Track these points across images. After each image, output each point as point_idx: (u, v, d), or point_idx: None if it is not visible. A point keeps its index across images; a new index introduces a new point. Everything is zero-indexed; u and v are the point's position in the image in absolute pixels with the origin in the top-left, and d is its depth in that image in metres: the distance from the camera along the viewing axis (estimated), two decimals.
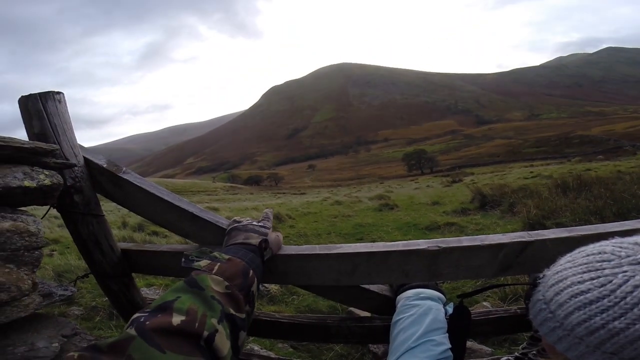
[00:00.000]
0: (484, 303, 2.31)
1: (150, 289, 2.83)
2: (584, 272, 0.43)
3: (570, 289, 0.43)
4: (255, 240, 0.67)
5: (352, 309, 2.31)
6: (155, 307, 0.46)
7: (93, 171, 0.86)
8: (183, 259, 0.59)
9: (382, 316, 0.89)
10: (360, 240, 5.15)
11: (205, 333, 0.44)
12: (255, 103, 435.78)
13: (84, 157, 0.86)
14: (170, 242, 5.07)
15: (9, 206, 0.66)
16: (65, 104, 0.85)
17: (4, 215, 0.62)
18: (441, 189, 14.73)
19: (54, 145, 0.73)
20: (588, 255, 0.45)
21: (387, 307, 0.87)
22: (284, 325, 0.91)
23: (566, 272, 0.46)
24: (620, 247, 0.43)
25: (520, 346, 0.85)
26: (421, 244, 0.69)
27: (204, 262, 0.57)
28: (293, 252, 0.74)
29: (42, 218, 0.82)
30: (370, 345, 1.82)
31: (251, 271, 0.59)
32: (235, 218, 0.78)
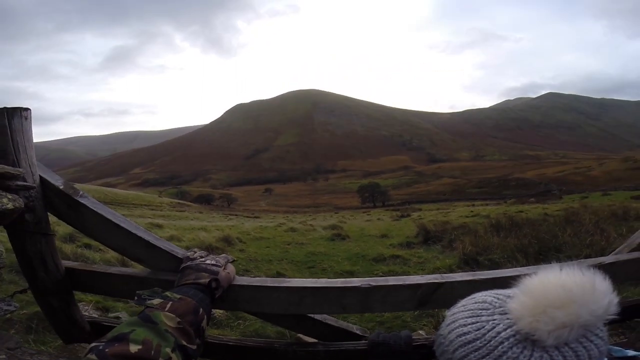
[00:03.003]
0: (420, 331, 2.46)
1: (79, 305, 2.63)
2: (468, 317, 0.54)
3: (458, 330, 0.54)
4: (205, 279, 0.73)
5: (300, 335, 2.33)
6: (111, 338, 0.50)
7: (48, 191, 0.88)
8: (136, 297, 0.64)
9: (325, 342, 0.98)
10: (312, 268, 5.20)
11: None
12: (217, 118, 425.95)
13: (40, 176, 0.87)
14: (105, 257, 4.72)
15: None
16: (31, 121, 0.86)
17: None
18: (390, 223, 15.33)
19: (20, 170, 0.75)
20: (475, 303, 0.56)
21: (330, 334, 0.96)
22: (231, 348, 0.95)
23: (458, 314, 0.57)
24: (497, 299, 0.55)
25: None
26: (355, 282, 0.82)
27: (156, 301, 0.62)
28: (245, 283, 0.82)
29: None
30: None
31: (201, 309, 0.65)
32: (188, 254, 0.83)
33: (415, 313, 2.92)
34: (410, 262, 5.50)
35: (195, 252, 0.83)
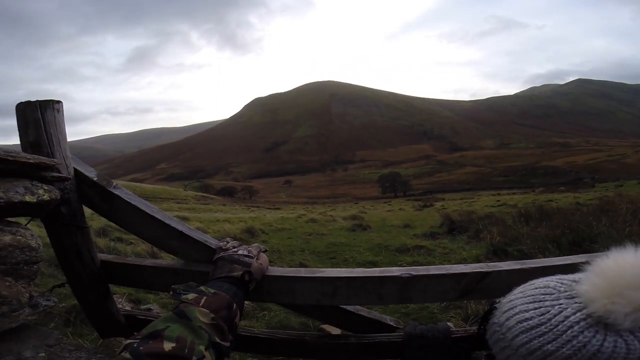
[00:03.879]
0: (448, 323, 2.40)
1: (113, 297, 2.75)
2: (530, 303, 0.52)
3: (518, 316, 0.52)
4: (238, 272, 0.72)
5: (323, 326, 2.34)
6: (146, 335, 0.51)
7: (82, 183, 0.89)
8: (171, 292, 0.64)
9: (357, 334, 0.96)
10: (333, 259, 5.20)
11: (194, 358, 0.49)
12: (237, 113, 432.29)
13: (74, 169, 0.88)
14: (136, 250, 4.90)
15: (4, 218, 0.67)
16: (63, 113, 0.87)
17: (3, 229, 0.64)
18: (412, 213, 15.13)
19: (55, 160, 0.76)
20: (536, 288, 0.54)
21: (361, 325, 0.93)
22: (261, 340, 0.95)
23: (517, 301, 0.54)
24: (561, 283, 0.52)
25: None
26: (395, 271, 0.78)
27: (191, 296, 0.62)
28: (279, 274, 0.80)
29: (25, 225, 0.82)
30: None
31: (234, 304, 0.64)
32: (221, 244, 0.82)
33: (442, 305, 2.86)
34: (435, 253, 5.40)
35: (227, 242, 0.82)
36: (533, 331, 0.48)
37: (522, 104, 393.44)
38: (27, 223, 0.93)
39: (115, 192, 0.85)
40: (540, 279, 0.56)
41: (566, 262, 0.79)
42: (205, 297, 0.61)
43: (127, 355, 0.46)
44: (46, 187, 0.71)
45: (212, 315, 0.58)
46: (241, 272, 0.72)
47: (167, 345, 0.48)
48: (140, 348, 0.47)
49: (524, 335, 0.49)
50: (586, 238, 5.28)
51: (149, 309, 2.60)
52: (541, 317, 0.49)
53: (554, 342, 0.46)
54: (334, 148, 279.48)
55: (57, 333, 0.80)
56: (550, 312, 0.49)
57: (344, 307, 0.92)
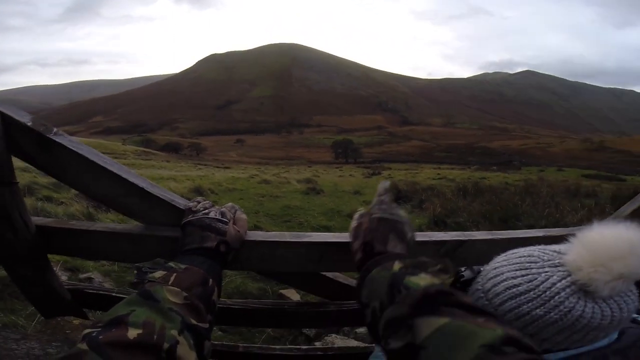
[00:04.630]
0: None
1: None
2: (517, 270, 0.54)
3: (506, 282, 0.54)
4: (211, 242, 0.63)
5: (282, 291, 2.36)
6: (107, 322, 0.43)
7: (12, 130, 0.72)
8: (135, 271, 0.55)
9: (336, 302, 0.95)
10: (288, 222, 5.23)
11: (166, 345, 0.42)
12: (188, 68, 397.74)
13: (1, 112, 0.71)
14: (69, 211, 4.43)
15: None
16: None
17: None
18: (362, 180, 15.67)
19: None
20: (520, 257, 0.57)
21: (340, 293, 0.93)
22: (235, 311, 0.90)
23: (502, 268, 0.57)
24: (544, 252, 0.55)
25: None
26: None
27: (158, 274, 0.53)
28: (261, 239, 0.73)
29: None
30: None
31: (210, 279, 0.57)
32: (190, 205, 0.71)
33: None
34: None
35: (198, 203, 0.71)
36: (522, 297, 0.51)
37: (472, 88, 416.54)
38: None
39: (57, 140, 0.70)
40: (523, 249, 0.58)
41: (528, 235, 0.86)
42: (175, 274, 0.53)
43: (83, 346, 0.39)
44: None
45: (185, 294, 0.50)
46: (215, 242, 0.63)
47: (132, 332, 0.41)
48: (100, 337, 0.40)
49: (513, 301, 0.52)
50: (512, 216, 5.93)
51: (90, 278, 2.38)
52: (529, 283, 0.51)
53: (542, 307, 0.49)
54: (291, 111, 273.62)
55: None
56: (538, 279, 0.51)
57: (324, 274, 0.90)
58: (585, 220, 5.70)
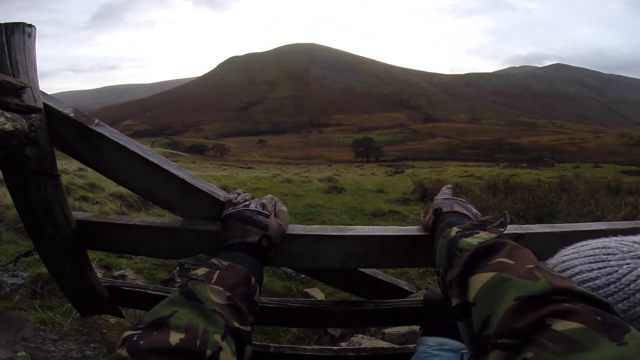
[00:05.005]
0: (435, 289, 2.48)
1: None
2: (592, 262, 0.49)
3: (579, 276, 0.49)
4: (254, 237, 0.60)
5: (307, 290, 2.33)
6: (148, 324, 0.41)
7: (54, 121, 0.72)
8: (178, 268, 0.52)
9: (373, 300, 0.91)
10: (311, 220, 5.21)
11: (209, 352, 0.39)
12: (210, 71, 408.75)
13: (45, 104, 0.71)
14: (104, 210, 4.57)
15: None
16: (35, 39, 0.69)
17: None
18: (384, 178, 15.46)
19: (23, 82, 0.58)
20: (593, 249, 0.51)
21: (378, 291, 0.88)
22: (271, 310, 0.87)
23: (573, 262, 0.51)
24: (622, 244, 0.50)
25: None
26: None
27: (201, 271, 0.51)
28: (302, 232, 0.69)
29: None
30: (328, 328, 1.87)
31: (253, 278, 0.54)
32: (230, 197, 0.68)
33: (420, 271, 2.94)
34: (408, 219, 5.55)
35: (238, 195, 0.69)
36: (600, 291, 0.46)
37: (498, 83, 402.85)
38: None
39: (98, 130, 0.69)
40: (594, 240, 0.53)
41: (590, 229, 0.79)
42: (218, 272, 0.50)
43: (123, 352, 0.36)
44: (9, 115, 0.54)
45: (228, 294, 0.47)
46: (257, 237, 0.60)
47: (174, 337, 0.39)
48: (141, 342, 0.37)
49: None
50: (547, 214, 5.61)
51: (123, 276, 2.43)
52: (608, 276, 0.47)
53: (626, 302, 0.44)
54: (310, 110, 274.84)
55: (32, 320, 0.66)
56: (619, 271, 0.46)
57: (363, 271, 0.86)
58: (630, 217, 5.33)
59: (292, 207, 6.26)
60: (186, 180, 0.69)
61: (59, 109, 0.71)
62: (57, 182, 0.76)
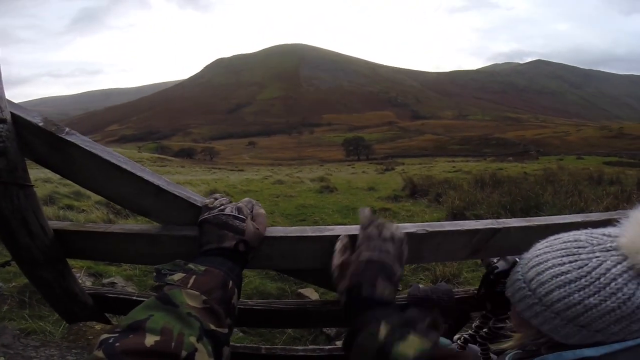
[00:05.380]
0: (420, 286, 2.51)
1: None
2: (563, 256, 0.50)
3: (552, 270, 0.49)
4: (230, 242, 0.60)
5: (301, 290, 2.33)
6: (125, 327, 0.42)
7: (24, 131, 0.70)
8: (155, 274, 0.53)
9: None
10: (304, 221, 5.22)
11: (184, 353, 0.41)
12: (197, 73, 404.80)
13: (12, 113, 0.69)
14: (90, 217, 4.50)
15: None
16: None
17: None
18: (375, 176, 15.54)
19: None
20: (565, 242, 0.52)
21: None
22: (258, 312, 0.87)
23: (546, 255, 0.52)
24: (592, 237, 0.51)
25: (473, 324, 0.94)
26: (409, 227, 0.72)
27: (177, 276, 0.52)
28: (281, 234, 0.70)
29: None
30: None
31: (230, 282, 0.55)
32: (207, 201, 0.68)
33: (412, 267, 2.97)
34: (399, 215, 5.60)
35: (215, 200, 0.68)
36: (572, 285, 0.47)
37: (482, 79, 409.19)
38: None
39: (69, 139, 0.68)
40: (566, 234, 0.54)
41: (566, 221, 0.79)
42: (194, 277, 0.51)
43: (99, 354, 0.37)
44: None
45: (204, 298, 0.49)
46: (234, 242, 0.60)
47: (150, 339, 0.40)
48: (117, 344, 0.38)
49: (562, 290, 0.48)
50: (533, 206, 5.72)
51: (113, 283, 2.40)
52: (579, 270, 0.47)
53: (596, 296, 0.45)
54: (300, 111, 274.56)
55: (11, 327, 0.65)
56: (589, 265, 0.47)
57: None
58: (612, 207, 5.47)
59: (284, 208, 6.25)
60: (161, 186, 0.69)
61: (28, 118, 0.69)
62: (30, 193, 0.74)
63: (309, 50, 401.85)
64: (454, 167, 20.63)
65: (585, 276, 0.46)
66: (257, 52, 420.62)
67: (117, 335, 0.40)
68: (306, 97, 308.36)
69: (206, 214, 0.65)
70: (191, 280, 0.51)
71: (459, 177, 11.23)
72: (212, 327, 0.47)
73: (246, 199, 0.72)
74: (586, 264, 0.47)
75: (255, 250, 0.65)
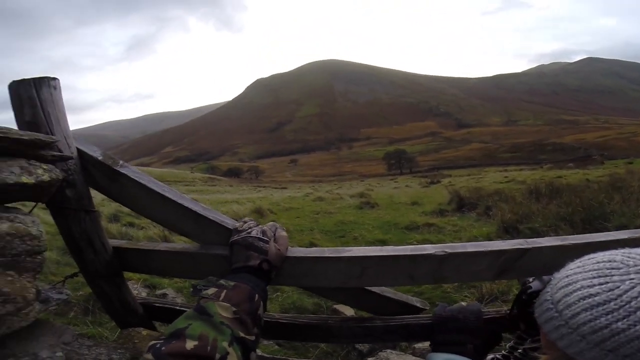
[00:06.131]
0: (462, 303, 2.38)
1: (128, 284, 2.75)
2: (594, 277, 0.47)
3: (580, 292, 0.47)
4: (254, 261, 0.68)
5: (337, 306, 2.33)
6: (168, 335, 0.50)
7: (87, 164, 0.82)
8: (192, 289, 0.62)
9: (382, 316, 0.91)
10: (343, 237, 5.19)
11: (217, 356, 0.48)
12: (239, 95, 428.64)
13: (77, 149, 0.82)
14: (149, 234, 4.91)
15: (1, 204, 0.61)
16: (60, 91, 0.80)
17: (0, 216, 0.58)
18: (420, 190, 15.06)
19: (53, 137, 0.69)
20: (598, 262, 0.49)
21: (386, 307, 0.88)
22: (284, 326, 0.92)
23: (576, 276, 0.50)
24: (629, 257, 0.47)
25: (507, 345, 0.89)
26: (428, 248, 0.72)
27: (211, 290, 0.59)
28: (301, 255, 0.74)
29: (29, 213, 0.77)
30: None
31: (256, 295, 0.61)
32: (237, 225, 0.76)
33: (456, 284, 2.83)
34: (445, 231, 5.36)
35: (244, 223, 0.77)
36: (600, 308, 0.44)
37: (530, 82, 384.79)
38: (32, 209, 0.87)
39: (123, 171, 0.79)
40: (601, 253, 0.51)
41: (609, 239, 0.73)
42: (225, 291, 0.59)
43: (149, 356, 0.45)
44: (46, 167, 0.64)
45: (234, 309, 0.56)
46: (258, 262, 0.67)
47: (189, 344, 0.48)
48: (163, 349, 0.46)
49: (588, 313, 0.45)
50: (599, 216, 5.17)
51: (164, 294, 2.59)
52: (609, 292, 0.45)
53: (625, 320, 0.42)
54: (338, 126, 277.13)
55: (72, 329, 0.77)
56: (620, 287, 0.44)
57: (369, 289, 0.88)
58: None
59: (323, 224, 6.29)
60: (198, 212, 0.77)
61: (90, 152, 0.81)
62: (94, 217, 0.86)
63: (342, 65, 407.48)
64: (505, 177, 19.37)
65: (615, 299, 0.44)
66: (292, 70, 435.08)
67: (162, 341, 0.48)
68: (342, 112, 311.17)
69: (236, 236, 0.73)
70: (223, 294, 0.58)
71: (512, 187, 10.51)
72: (242, 334, 0.54)
73: (270, 222, 0.79)
74: (617, 287, 0.45)
75: (278, 268, 0.72)
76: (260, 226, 0.75)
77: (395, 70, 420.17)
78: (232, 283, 0.61)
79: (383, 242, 4.69)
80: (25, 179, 0.58)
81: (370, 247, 0.75)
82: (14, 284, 0.56)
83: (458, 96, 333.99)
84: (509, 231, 5.00)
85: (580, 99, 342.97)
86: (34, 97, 0.73)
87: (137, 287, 2.63)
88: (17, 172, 0.58)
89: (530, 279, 0.78)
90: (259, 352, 1.72)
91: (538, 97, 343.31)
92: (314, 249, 0.77)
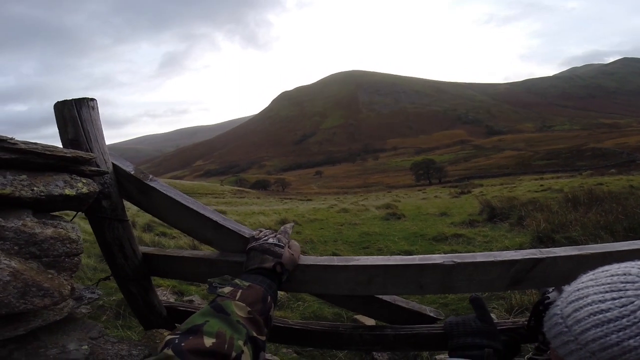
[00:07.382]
0: (491, 315, 2.29)
1: (158, 290, 2.89)
2: (606, 292, 0.45)
3: (591, 307, 0.45)
4: (269, 263, 0.70)
5: (357, 316, 2.32)
6: (185, 330, 0.51)
7: (120, 177, 0.91)
8: (208, 286, 0.65)
9: (393, 325, 0.92)
10: (367, 248, 5.14)
11: (234, 354, 0.49)
12: (265, 108, 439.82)
13: (113, 164, 0.91)
14: (179, 243, 5.13)
15: (48, 212, 0.71)
16: (98, 110, 0.90)
17: (46, 222, 0.67)
18: (449, 200, 14.61)
19: (92, 154, 0.78)
20: (612, 276, 0.47)
21: (398, 316, 0.89)
22: (296, 331, 0.95)
23: (588, 290, 0.47)
24: None
25: (526, 357, 0.86)
26: (436, 258, 0.73)
27: (227, 289, 0.62)
28: (312, 263, 0.77)
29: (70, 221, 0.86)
30: (374, 352, 1.84)
31: (269, 297, 0.64)
32: (254, 233, 0.81)
33: (484, 294, 2.72)
34: (475, 242, 5.17)
35: (261, 232, 0.82)
36: (611, 324, 0.42)
37: (563, 85, 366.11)
38: (73, 218, 0.98)
39: (152, 185, 0.87)
40: (616, 265, 0.48)
41: (632, 248, 0.69)
42: (240, 291, 0.61)
43: (169, 352, 0.46)
44: (85, 181, 0.74)
45: (249, 309, 0.58)
46: (272, 264, 0.70)
47: (208, 341, 0.49)
48: (182, 344, 0.47)
49: (599, 329, 0.43)
50: None
51: (191, 301, 2.70)
52: (622, 308, 0.42)
53: (638, 338, 0.40)
54: (363, 137, 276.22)
55: (100, 326, 0.84)
56: (635, 303, 0.42)
57: (381, 297, 0.89)
58: None
59: (347, 236, 6.26)
60: (218, 221, 0.84)
61: (123, 167, 0.90)
62: (126, 225, 0.95)
63: (365, 75, 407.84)
64: (541, 185, 18.35)
65: (629, 315, 0.41)
66: (315, 82, 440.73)
67: (178, 336, 0.49)
68: (367, 122, 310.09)
69: (253, 243, 0.77)
70: (238, 294, 0.60)
71: (548, 196, 9.97)
72: (254, 334, 0.56)
73: (289, 224, 0.85)
74: (631, 302, 0.42)
75: (290, 273, 0.75)
76: (275, 235, 0.80)
77: (419, 78, 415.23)
78: (246, 283, 0.63)
79: (409, 253, 4.58)
80: (67, 191, 0.67)
81: (379, 257, 0.77)
82: (53, 281, 0.64)
83: (487, 102, 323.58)
84: (543, 241, 4.75)
85: (619, 101, 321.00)
86: (76, 116, 0.83)
87: (165, 294, 2.76)
88: (61, 185, 0.67)
89: (550, 289, 0.76)
90: (277, 359, 1.74)
91: (573, 101, 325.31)
92: (324, 257, 0.80)
